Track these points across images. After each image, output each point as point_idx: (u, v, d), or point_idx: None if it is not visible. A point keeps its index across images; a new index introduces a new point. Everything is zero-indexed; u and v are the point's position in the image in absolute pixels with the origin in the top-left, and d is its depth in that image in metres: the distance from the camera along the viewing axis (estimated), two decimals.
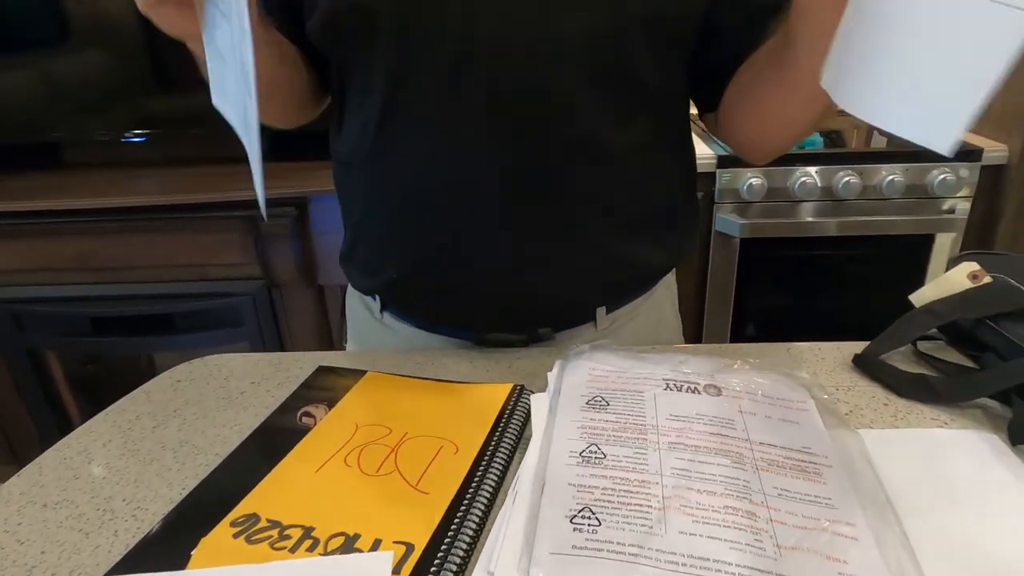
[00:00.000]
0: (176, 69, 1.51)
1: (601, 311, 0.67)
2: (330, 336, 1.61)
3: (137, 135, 1.59)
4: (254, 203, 1.74)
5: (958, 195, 1.46)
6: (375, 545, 0.41)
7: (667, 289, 0.75)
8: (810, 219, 1.49)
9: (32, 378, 1.60)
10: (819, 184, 1.46)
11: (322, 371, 0.63)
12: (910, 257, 1.54)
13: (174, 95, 1.55)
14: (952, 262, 0.69)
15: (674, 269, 0.76)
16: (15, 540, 0.44)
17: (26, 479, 0.51)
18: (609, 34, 0.55)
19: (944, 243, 1.50)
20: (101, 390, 1.76)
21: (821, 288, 1.61)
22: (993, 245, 1.49)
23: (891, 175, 1.44)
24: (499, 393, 0.56)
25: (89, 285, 1.51)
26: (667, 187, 0.67)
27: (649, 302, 0.71)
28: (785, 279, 1.59)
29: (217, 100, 0.51)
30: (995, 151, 1.44)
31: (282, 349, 1.59)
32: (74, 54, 1.52)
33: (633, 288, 0.70)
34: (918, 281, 1.55)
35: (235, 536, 0.42)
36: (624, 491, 0.43)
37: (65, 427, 1.71)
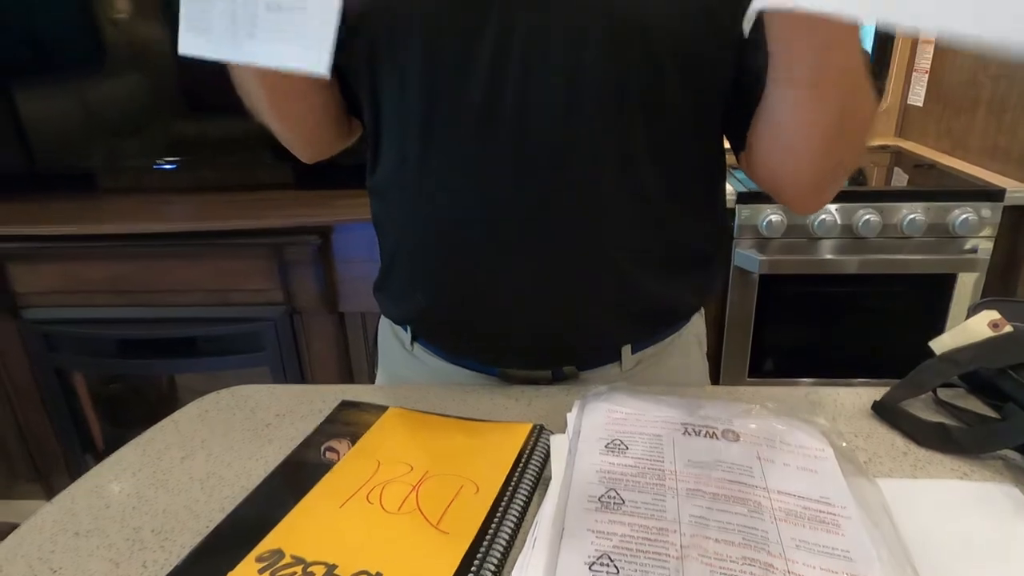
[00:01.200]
0: (208, 95, 1.56)
1: (626, 350, 0.68)
2: (349, 362, 1.62)
3: (168, 162, 1.64)
4: (279, 230, 1.76)
5: (980, 235, 1.46)
6: None
7: (694, 332, 0.75)
8: (830, 256, 1.49)
9: (59, 397, 1.63)
10: (839, 222, 1.46)
11: (345, 405, 0.64)
12: (932, 296, 1.53)
13: (205, 121, 1.60)
14: (972, 310, 0.69)
15: (702, 311, 0.76)
16: (48, 568, 0.46)
17: (59, 507, 0.53)
18: (640, 75, 0.56)
19: (966, 283, 1.49)
20: (123, 408, 1.79)
21: (841, 326, 1.60)
22: (1017, 286, 1.48)
23: (912, 214, 1.44)
24: (519, 432, 0.57)
25: (118, 307, 1.55)
26: (697, 227, 0.67)
27: (676, 344, 0.72)
28: (805, 316, 1.59)
29: (189, 42, 0.51)
30: (1018, 191, 1.43)
31: (301, 374, 1.60)
32: (110, 79, 1.58)
33: (659, 326, 0.70)
34: (940, 320, 1.54)
35: (260, 572, 0.43)
36: (643, 538, 0.43)
37: (88, 445, 1.74)
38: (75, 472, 1.75)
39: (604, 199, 0.60)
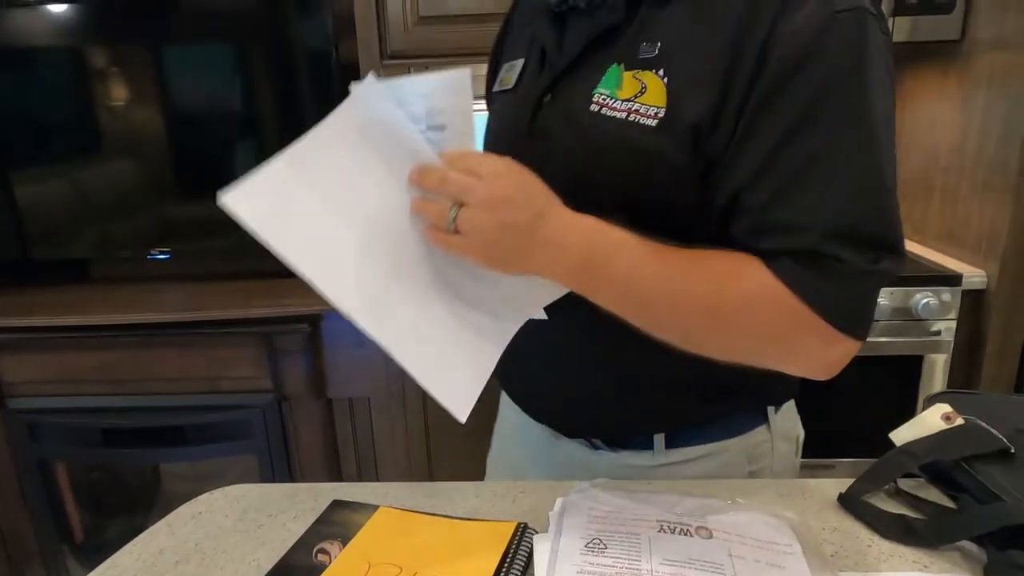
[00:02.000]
0: (199, 182, 1.61)
1: (659, 439, 0.69)
2: (336, 447, 1.63)
3: (161, 252, 1.68)
4: (269, 319, 1.79)
5: (944, 318, 1.52)
6: None
7: (744, 448, 0.70)
8: None
9: (40, 488, 1.61)
10: None
11: (336, 505, 0.66)
12: (902, 377, 1.58)
13: (197, 206, 1.64)
14: (927, 402, 0.74)
15: (768, 430, 0.73)
16: None
17: None
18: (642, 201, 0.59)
19: (934, 364, 1.55)
20: (105, 495, 1.75)
21: (818, 406, 1.63)
22: (982, 367, 1.54)
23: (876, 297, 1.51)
24: (503, 532, 0.60)
25: (105, 396, 1.55)
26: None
27: (720, 456, 0.70)
28: None
29: (368, 324, 0.61)
30: (974, 276, 1.51)
31: (288, 460, 1.60)
32: (105, 166, 1.63)
33: (689, 422, 0.70)
34: (911, 399, 1.59)
35: None
36: None
37: (65, 535, 1.70)
38: (51, 564, 1.70)
39: (625, 334, 0.62)
